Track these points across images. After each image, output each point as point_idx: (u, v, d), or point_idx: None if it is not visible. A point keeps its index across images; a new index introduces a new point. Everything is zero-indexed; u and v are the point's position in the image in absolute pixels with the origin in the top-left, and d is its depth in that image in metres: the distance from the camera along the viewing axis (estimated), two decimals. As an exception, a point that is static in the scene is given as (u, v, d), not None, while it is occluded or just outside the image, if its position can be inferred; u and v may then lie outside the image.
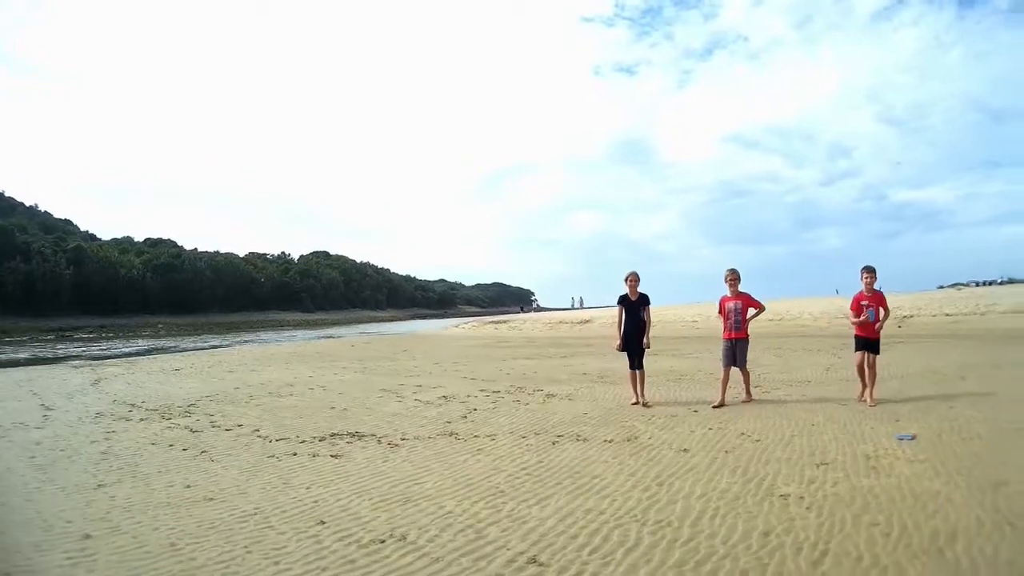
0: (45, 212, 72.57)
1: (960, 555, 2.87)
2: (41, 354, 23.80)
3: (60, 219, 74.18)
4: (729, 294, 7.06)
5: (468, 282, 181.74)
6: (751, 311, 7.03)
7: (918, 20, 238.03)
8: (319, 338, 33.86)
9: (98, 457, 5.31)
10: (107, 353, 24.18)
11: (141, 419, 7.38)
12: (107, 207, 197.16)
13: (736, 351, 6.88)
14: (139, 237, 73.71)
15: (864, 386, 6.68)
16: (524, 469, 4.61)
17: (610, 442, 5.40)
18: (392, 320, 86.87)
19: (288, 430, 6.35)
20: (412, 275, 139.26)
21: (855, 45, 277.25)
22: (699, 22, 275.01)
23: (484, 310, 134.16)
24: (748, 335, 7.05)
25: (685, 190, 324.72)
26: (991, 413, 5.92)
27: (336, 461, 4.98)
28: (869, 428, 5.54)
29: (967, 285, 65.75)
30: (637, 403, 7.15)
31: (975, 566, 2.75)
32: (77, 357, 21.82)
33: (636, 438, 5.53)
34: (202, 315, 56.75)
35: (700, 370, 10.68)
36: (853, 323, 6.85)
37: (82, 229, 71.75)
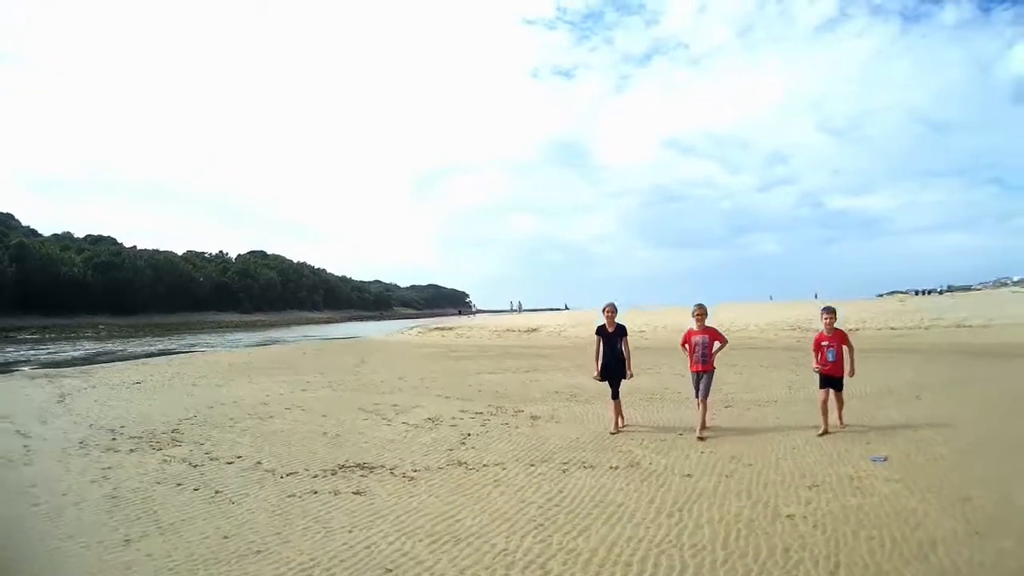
0: (-16, 208, 67.89)
1: (943, 559, 3.56)
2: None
3: (1, 213, 68.55)
4: (696, 328, 7.32)
5: (403, 283, 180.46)
6: (716, 344, 7.32)
7: (862, 32, 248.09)
8: (265, 343, 33.35)
9: (108, 503, 5.10)
10: (56, 358, 23.96)
11: (131, 450, 7.15)
12: (43, 201, 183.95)
13: (701, 383, 7.18)
14: (78, 233, 70.18)
15: (826, 424, 6.99)
16: (550, 500, 4.87)
17: (615, 468, 5.76)
18: (329, 322, 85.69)
19: (292, 462, 6.35)
20: (348, 276, 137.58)
21: (798, 54, 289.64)
22: (640, 28, 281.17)
23: (419, 312, 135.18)
24: (714, 367, 7.31)
25: (621, 193, 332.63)
26: (949, 434, 6.64)
27: (361, 498, 5.05)
28: (844, 450, 6.14)
29: (907, 293, 70.40)
30: (617, 432, 7.40)
31: (956, 568, 3.45)
32: (27, 362, 21.68)
33: (638, 464, 5.90)
34: (143, 315, 55.37)
35: (667, 388, 11.14)
36: (815, 368, 7.12)
37: (23, 224, 67.02)
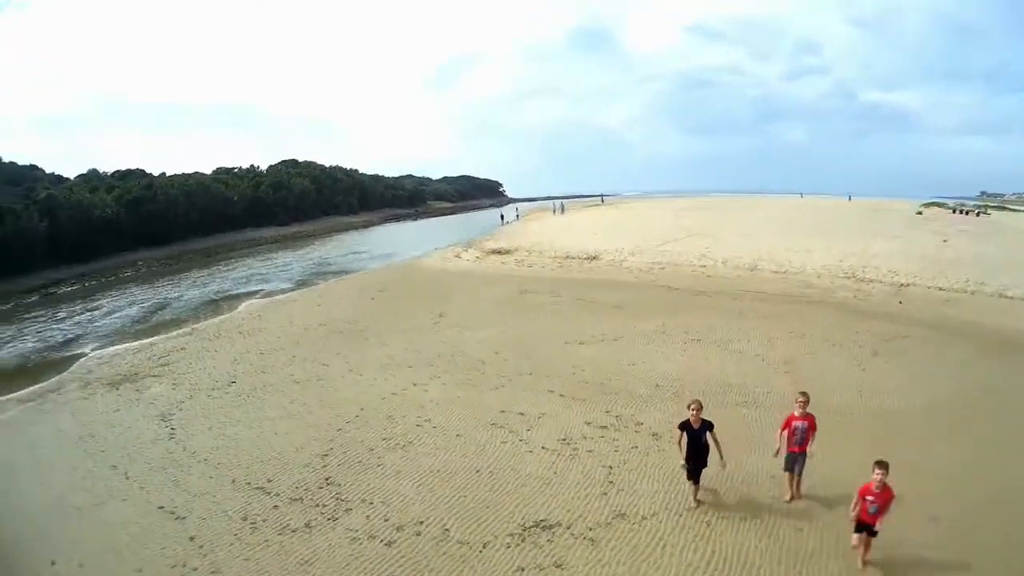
0: (10, 163, 67.62)
1: None
2: (41, 335, 22.02)
3: (25, 166, 68.49)
4: (797, 413, 7.53)
5: (435, 176, 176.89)
6: (813, 434, 7.54)
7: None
8: (318, 273, 33.35)
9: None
10: (113, 325, 22.93)
11: (306, 524, 7.26)
12: (60, 140, 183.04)
13: (797, 463, 7.56)
14: (101, 169, 69.10)
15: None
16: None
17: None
18: (367, 225, 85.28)
19: (473, 523, 6.98)
20: (379, 174, 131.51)
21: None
22: None
23: (455, 206, 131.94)
24: (808, 451, 7.55)
25: (649, 79, 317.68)
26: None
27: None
28: None
29: (945, 207, 66.77)
30: (698, 504, 7.63)
31: None
32: (84, 338, 20.75)
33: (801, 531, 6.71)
34: (179, 244, 54.92)
35: (745, 386, 11.60)
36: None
37: (48, 172, 66.83)
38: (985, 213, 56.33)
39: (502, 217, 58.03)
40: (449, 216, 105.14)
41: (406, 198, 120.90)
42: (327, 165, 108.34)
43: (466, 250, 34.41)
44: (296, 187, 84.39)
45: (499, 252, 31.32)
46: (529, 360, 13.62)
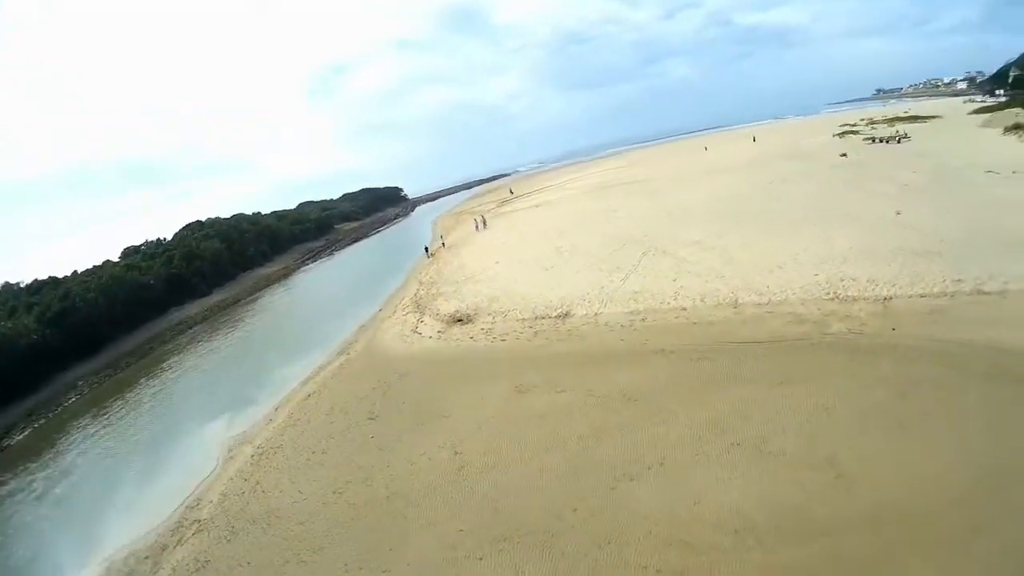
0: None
1: None
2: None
3: None
4: None
5: (334, 193, 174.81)
6: None
7: None
8: (264, 380, 30.78)
9: None
10: (107, 511, 21.07)
11: None
12: None
13: None
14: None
15: None
16: None
17: None
18: (287, 274, 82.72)
19: None
20: (279, 208, 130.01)
21: None
22: None
23: (362, 223, 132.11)
24: None
25: (525, 47, 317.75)
26: None
27: None
28: None
29: (856, 131, 69.56)
30: None
31: None
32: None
33: None
34: (111, 346, 50.75)
35: (814, 515, 11.51)
36: None
37: None
38: (906, 138, 57.59)
39: (426, 249, 54.72)
40: (362, 243, 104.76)
41: (314, 229, 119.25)
42: (230, 215, 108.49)
43: (420, 317, 33.01)
44: (208, 251, 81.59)
45: (459, 320, 30.13)
46: (603, 537, 12.58)
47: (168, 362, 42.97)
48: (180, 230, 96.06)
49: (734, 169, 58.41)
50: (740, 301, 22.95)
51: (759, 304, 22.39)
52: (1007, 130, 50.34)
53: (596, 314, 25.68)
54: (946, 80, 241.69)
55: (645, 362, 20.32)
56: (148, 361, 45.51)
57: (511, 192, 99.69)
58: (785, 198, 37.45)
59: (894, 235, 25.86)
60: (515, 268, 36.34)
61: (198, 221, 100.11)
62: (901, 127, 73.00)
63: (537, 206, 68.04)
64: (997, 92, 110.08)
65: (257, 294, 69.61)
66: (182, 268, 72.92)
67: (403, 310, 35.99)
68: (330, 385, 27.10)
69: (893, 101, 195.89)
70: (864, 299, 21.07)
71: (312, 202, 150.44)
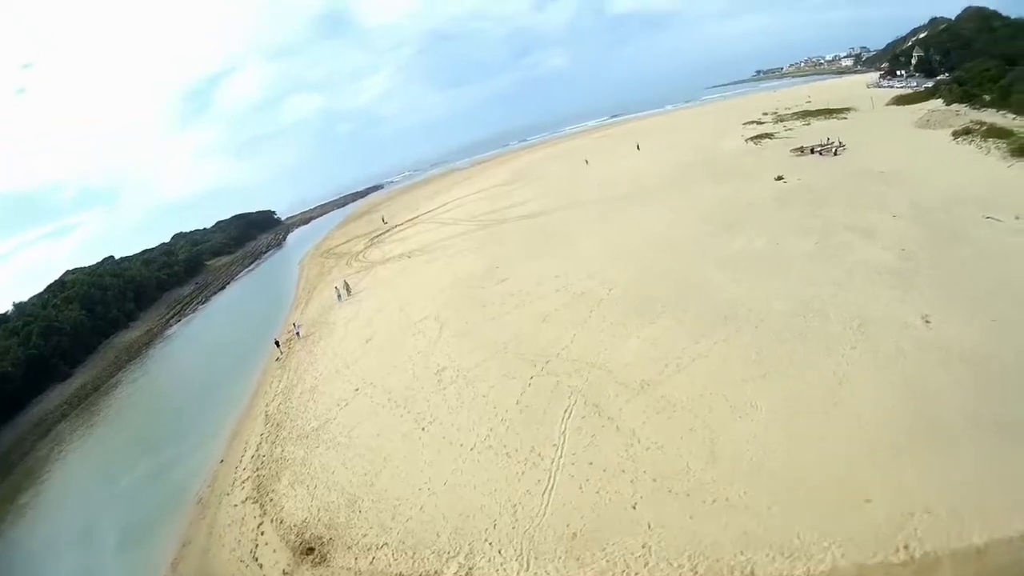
0: None
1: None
2: None
3: None
4: None
5: (207, 219, 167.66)
6: None
7: None
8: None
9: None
10: None
11: None
12: None
13: None
14: None
15: None
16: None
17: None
18: (151, 339, 70.47)
19: None
20: (145, 249, 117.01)
21: None
22: None
23: (234, 257, 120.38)
24: None
25: (396, 46, 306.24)
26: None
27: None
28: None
29: (770, 134, 60.44)
30: None
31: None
32: None
33: None
34: None
35: None
36: None
37: None
38: (841, 147, 48.09)
39: (277, 344, 40.39)
40: (229, 289, 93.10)
41: (183, 271, 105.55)
42: (99, 260, 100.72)
43: (260, 518, 21.55)
44: (67, 322, 69.13)
45: (310, 551, 18.83)
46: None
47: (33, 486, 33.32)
48: (38, 295, 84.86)
49: (646, 195, 48.76)
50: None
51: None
52: (957, 135, 43.95)
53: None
54: (828, 57, 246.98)
55: None
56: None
57: (384, 221, 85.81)
58: (742, 270, 27.51)
59: (946, 386, 16.65)
60: (381, 413, 24.87)
61: (60, 282, 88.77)
62: (817, 124, 66.74)
63: (409, 257, 53.81)
64: (899, 74, 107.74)
65: (115, 377, 57.14)
66: (41, 346, 61.28)
67: (240, 487, 24.46)
68: None
69: (776, 82, 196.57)
70: (950, 554, 12.05)
71: (184, 234, 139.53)
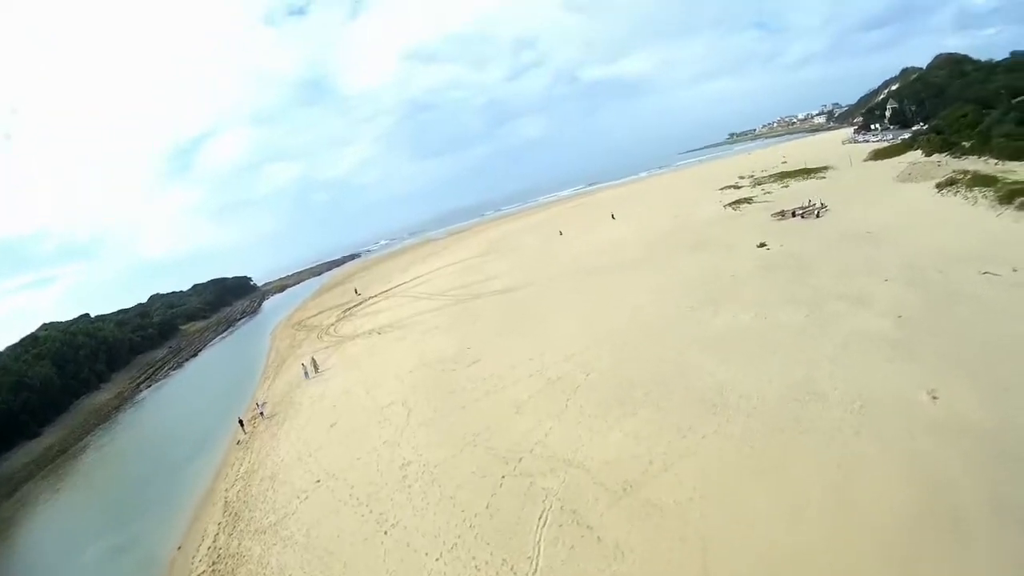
0: None
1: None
2: None
3: None
4: None
5: (187, 275, 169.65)
6: None
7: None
8: None
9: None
10: None
11: None
12: None
13: None
14: None
15: None
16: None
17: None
18: (121, 403, 68.06)
19: None
20: (120, 309, 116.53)
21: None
22: None
23: (208, 322, 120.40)
24: None
25: (374, 116, 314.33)
26: None
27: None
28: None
29: (749, 200, 60.73)
30: None
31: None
32: None
33: None
34: None
35: None
36: None
37: None
38: (824, 209, 47.25)
39: (241, 423, 37.76)
40: (202, 355, 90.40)
41: (157, 334, 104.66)
42: (75, 317, 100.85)
43: None
44: (37, 378, 67.78)
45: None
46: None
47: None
48: (8, 348, 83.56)
49: (623, 268, 46.45)
50: None
51: None
52: (941, 187, 43.27)
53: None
54: (801, 116, 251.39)
55: None
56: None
57: (356, 292, 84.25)
58: (729, 350, 25.43)
59: (963, 471, 14.70)
60: (343, 511, 22.11)
61: (33, 336, 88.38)
62: (796, 185, 65.56)
63: (379, 333, 51.07)
64: (874, 127, 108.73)
65: (84, 440, 54.64)
66: (11, 401, 60.93)
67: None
68: None
69: (750, 144, 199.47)
70: None
71: (161, 295, 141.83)
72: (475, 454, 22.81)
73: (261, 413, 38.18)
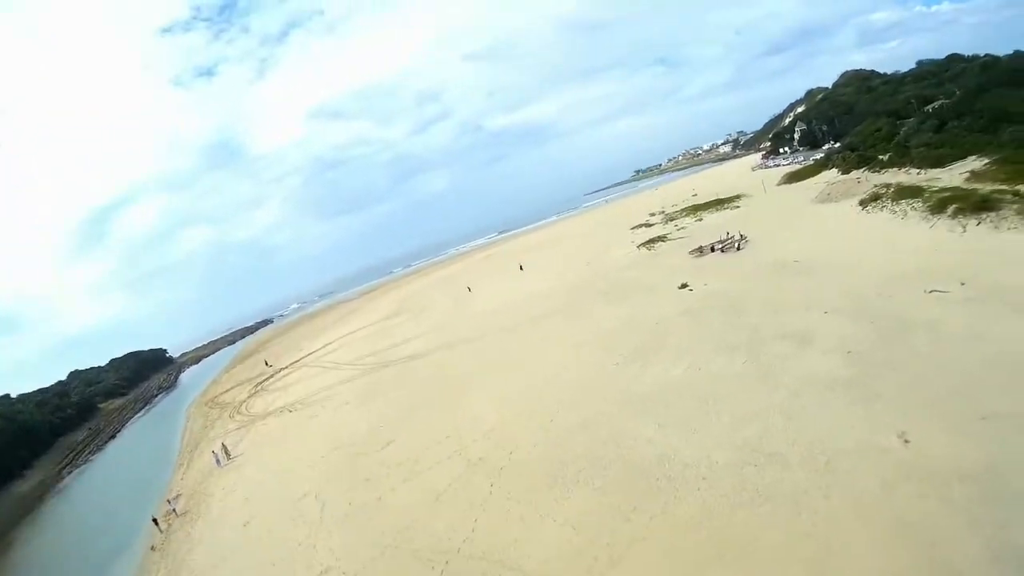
0: None
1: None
2: None
3: None
4: None
5: (105, 350, 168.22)
6: None
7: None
8: None
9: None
10: None
11: None
12: None
13: None
14: None
15: None
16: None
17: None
18: (43, 492, 61.33)
19: None
20: (39, 388, 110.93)
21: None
22: (274, 4, 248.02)
23: (126, 400, 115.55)
24: None
25: (282, 176, 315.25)
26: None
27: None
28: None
29: (664, 237, 60.56)
30: None
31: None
32: None
33: None
34: None
35: None
36: None
37: None
38: (743, 240, 45.12)
39: (155, 521, 33.47)
40: (120, 437, 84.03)
41: (76, 415, 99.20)
42: None
43: None
44: None
45: None
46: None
47: None
48: None
49: (535, 324, 42.82)
50: None
51: None
52: (865, 204, 42.94)
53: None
54: (706, 146, 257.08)
55: None
56: None
57: (267, 364, 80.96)
58: (665, 410, 22.45)
59: (951, 519, 12.56)
60: None
61: None
62: (710, 218, 64.04)
63: (291, 411, 46.91)
64: (783, 151, 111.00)
65: (8, 536, 47.61)
66: None
67: None
68: None
69: (657, 179, 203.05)
70: None
71: (80, 371, 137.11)
72: (397, 557, 19.39)
73: (174, 510, 34.13)
